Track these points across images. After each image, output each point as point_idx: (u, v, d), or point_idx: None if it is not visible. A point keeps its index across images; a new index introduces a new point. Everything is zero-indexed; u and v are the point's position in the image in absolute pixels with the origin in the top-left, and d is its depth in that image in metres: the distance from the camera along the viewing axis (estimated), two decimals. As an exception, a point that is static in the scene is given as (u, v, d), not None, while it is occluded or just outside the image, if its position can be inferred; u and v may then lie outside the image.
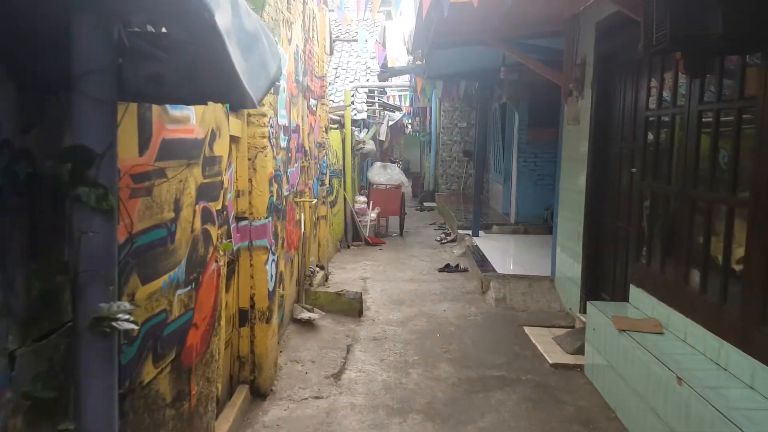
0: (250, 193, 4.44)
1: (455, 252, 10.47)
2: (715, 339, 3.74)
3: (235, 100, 1.67)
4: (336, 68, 13.81)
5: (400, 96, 15.15)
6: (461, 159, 19.02)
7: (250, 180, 4.44)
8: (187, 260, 2.72)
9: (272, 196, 4.67)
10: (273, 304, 4.65)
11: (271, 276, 4.63)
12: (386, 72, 10.62)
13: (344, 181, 11.38)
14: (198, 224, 2.84)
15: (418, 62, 9.35)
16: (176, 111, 2.55)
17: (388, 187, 12.62)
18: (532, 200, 11.58)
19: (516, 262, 8.82)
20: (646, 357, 3.98)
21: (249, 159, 4.42)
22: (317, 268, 7.29)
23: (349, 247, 11.17)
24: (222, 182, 3.21)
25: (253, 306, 4.49)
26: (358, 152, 11.67)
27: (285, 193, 5.75)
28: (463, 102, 18.75)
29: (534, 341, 5.97)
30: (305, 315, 5.92)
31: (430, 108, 20.58)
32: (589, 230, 6.38)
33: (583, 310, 6.35)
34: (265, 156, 4.45)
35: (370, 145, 14.80)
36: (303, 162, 6.81)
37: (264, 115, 4.44)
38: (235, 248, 4.23)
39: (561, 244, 7.31)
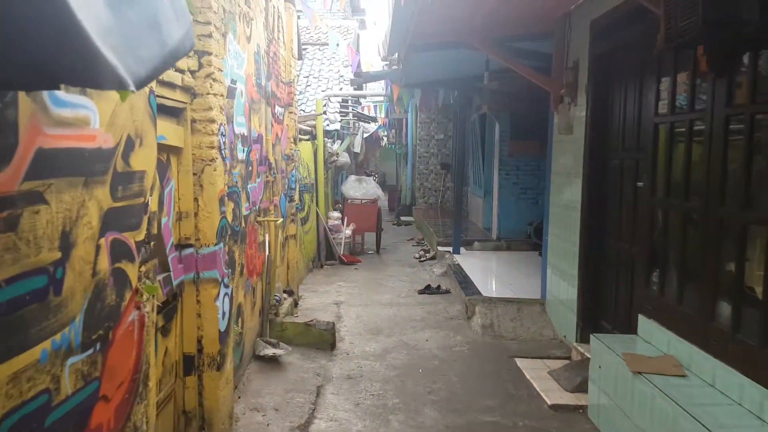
0: (195, 214, 3.72)
1: (435, 271, 9.80)
2: (756, 387, 3.11)
3: (92, 78, 0.97)
4: (307, 76, 13.11)
5: (375, 106, 14.51)
6: (439, 172, 18.44)
7: (196, 199, 3.72)
8: (87, 314, 2.00)
9: (224, 217, 3.95)
10: (226, 347, 3.92)
11: (224, 313, 3.90)
12: (360, 77, 9.96)
13: (317, 196, 10.67)
14: (104, 263, 2.12)
15: (395, 67, 8.71)
16: (65, 110, 1.84)
17: (363, 201, 11.94)
18: (514, 215, 10.99)
19: (502, 283, 8.17)
20: (671, 408, 3.33)
21: (194, 174, 3.71)
22: (285, 295, 6.56)
23: (322, 266, 10.44)
24: (146, 205, 2.49)
25: (201, 350, 3.75)
26: (331, 165, 10.99)
27: (244, 212, 5.03)
28: (440, 113, 18.21)
29: (528, 376, 5.30)
30: (269, 351, 5.18)
31: (407, 119, 20.01)
32: (586, 251, 5.76)
33: (581, 339, 5.73)
34: (215, 170, 3.74)
35: (345, 158, 14.11)
36: (267, 176, 6.10)
37: (213, 121, 3.74)
38: (176, 282, 3.50)
39: (552, 264, 6.68)
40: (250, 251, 5.27)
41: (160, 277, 3.12)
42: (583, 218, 5.78)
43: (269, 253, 5.90)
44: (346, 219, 11.27)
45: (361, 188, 12.02)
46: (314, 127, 10.58)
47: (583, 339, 5.72)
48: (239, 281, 4.80)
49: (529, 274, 8.59)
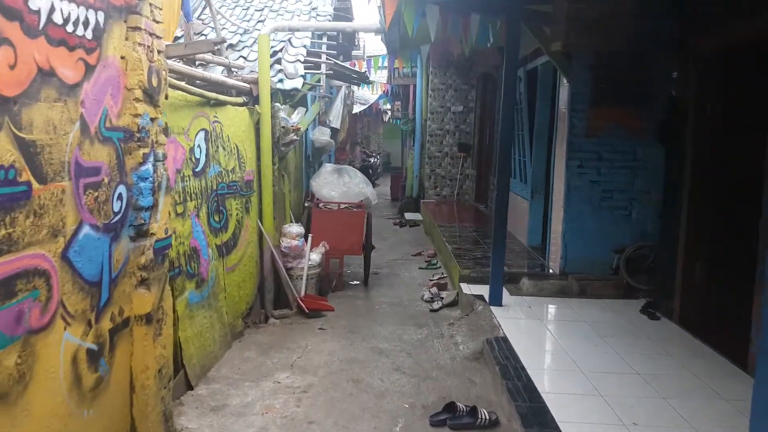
0: None
1: (461, 345, 5.44)
2: None
3: None
4: (262, 8, 8.57)
5: (368, 61, 10.02)
6: (455, 155, 14.06)
7: None
8: None
9: None
10: None
11: None
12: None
13: (259, 202, 6.32)
14: None
15: None
16: None
17: (342, 206, 7.56)
18: (592, 234, 6.62)
19: (606, 411, 3.81)
20: None
21: None
22: None
23: (267, 320, 6.13)
24: None
25: None
26: (287, 148, 6.61)
27: None
28: (458, 77, 13.73)
29: None
30: None
31: (414, 86, 15.53)
32: None
33: None
34: None
35: (324, 135, 9.73)
36: None
37: None
38: None
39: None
40: None
41: None
42: None
43: None
44: (311, 236, 6.90)
45: (340, 184, 7.64)
46: (255, 83, 6.19)
47: None
48: None
49: (653, 376, 4.24)
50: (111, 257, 3.00)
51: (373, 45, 12.99)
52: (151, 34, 3.35)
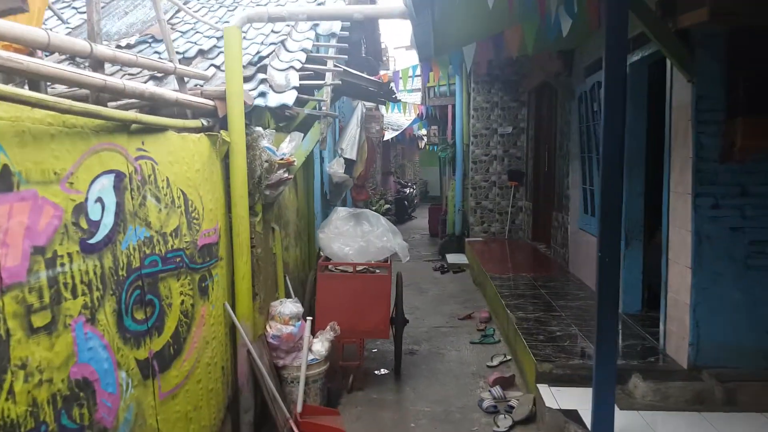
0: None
1: None
2: None
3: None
4: (253, 7, 6.54)
5: (396, 74, 7.98)
6: (505, 184, 11.88)
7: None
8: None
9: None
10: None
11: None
12: None
13: (230, 276, 4.23)
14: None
15: None
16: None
17: (360, 269, 5.41)
18: (736, 307, 4.33)
19: None
20: None
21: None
22: None
23: (242, 455, 4.00)
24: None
25: None
26: (275, 191, 4.52)
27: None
28: (505, 93, 11.64)
29: None
30: None
31: (453, 106, 13.43)
32: None
33: None
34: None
35: (339, 169, 7.68)
36: None
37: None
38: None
39: None
40: None
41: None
42: None
43: None
44: (311, 318, 4.77)
45: (356, 236, 5.50)
46: (221, 99, 4.17)
47: None
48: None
49: None
50: None
51: (404, 62, 10.92)
52: None
